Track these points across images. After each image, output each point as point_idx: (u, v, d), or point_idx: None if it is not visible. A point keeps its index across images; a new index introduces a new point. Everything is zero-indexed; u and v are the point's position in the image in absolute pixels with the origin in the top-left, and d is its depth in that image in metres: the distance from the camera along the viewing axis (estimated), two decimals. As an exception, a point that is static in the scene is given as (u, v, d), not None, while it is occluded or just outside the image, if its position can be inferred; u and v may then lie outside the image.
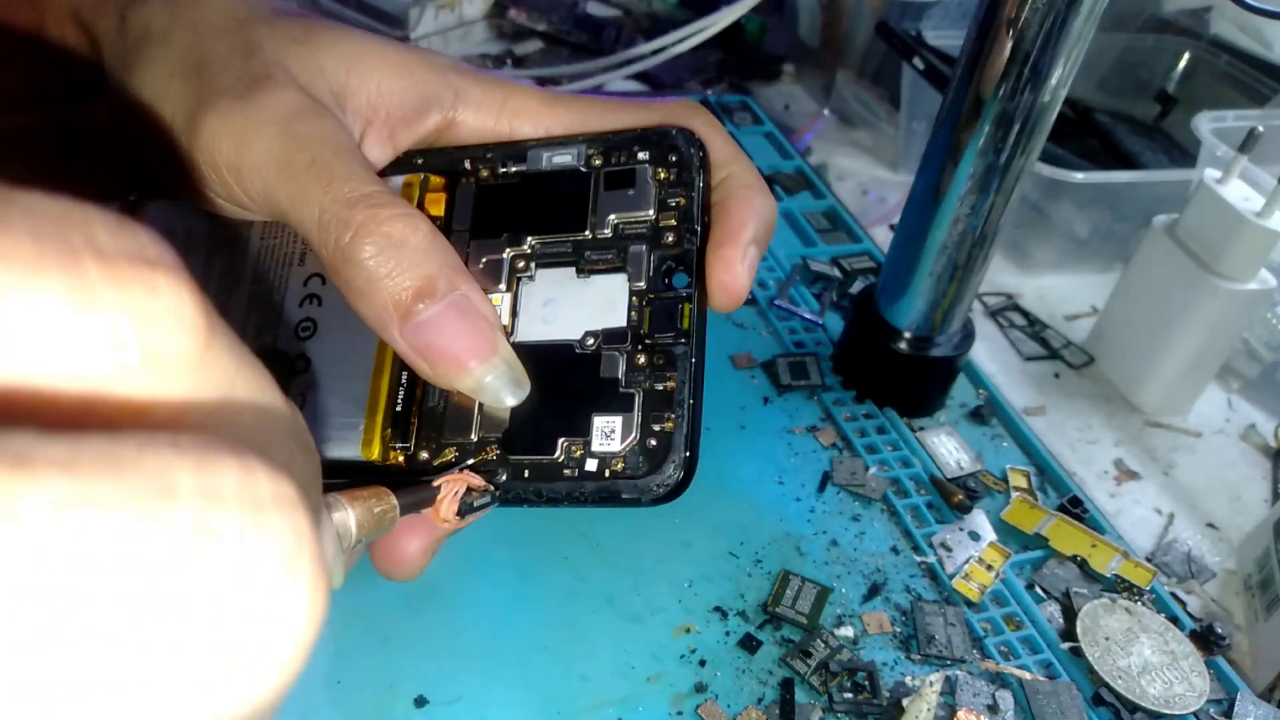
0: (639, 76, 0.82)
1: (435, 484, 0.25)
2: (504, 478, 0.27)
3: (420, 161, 0.30)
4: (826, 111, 0.84)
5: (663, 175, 0.28)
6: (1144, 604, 0.44)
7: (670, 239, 0.27)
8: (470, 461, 0.27)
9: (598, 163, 0.29)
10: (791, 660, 0.40)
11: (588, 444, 0.26)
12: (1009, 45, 0.40)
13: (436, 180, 0.30)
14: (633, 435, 0.26)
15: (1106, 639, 0.42)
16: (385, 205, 0.25)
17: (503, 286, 0.28)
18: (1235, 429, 0.57)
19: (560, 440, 0.27)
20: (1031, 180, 0.57)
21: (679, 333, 0.27)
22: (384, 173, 0.29)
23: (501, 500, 0.27)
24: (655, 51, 0.78)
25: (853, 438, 0.51)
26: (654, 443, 0.26)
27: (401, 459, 0.28)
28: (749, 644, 0.40)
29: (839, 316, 0.59)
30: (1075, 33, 0.39)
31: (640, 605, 0.42)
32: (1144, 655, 0.41)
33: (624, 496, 0.26)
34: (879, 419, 0.52)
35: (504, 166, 0.29)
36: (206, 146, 0.26)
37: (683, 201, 0.28)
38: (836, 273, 0.63)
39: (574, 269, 0.28)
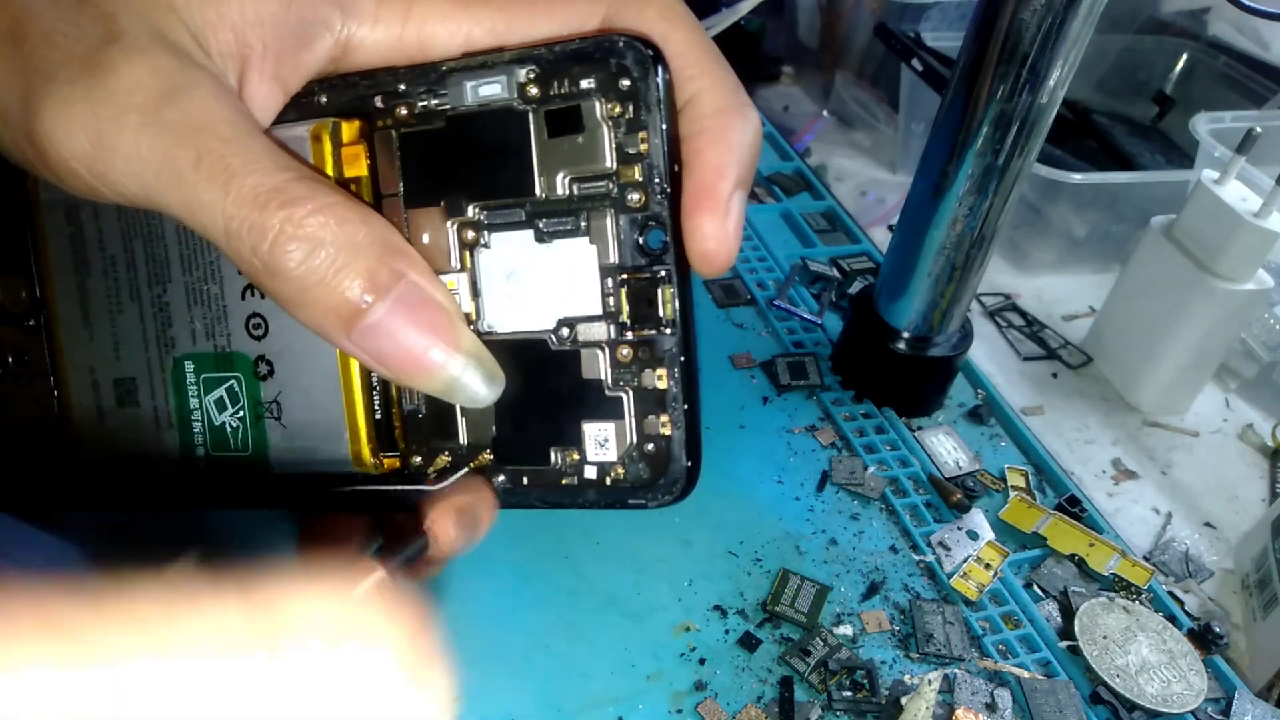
0: (638, 77, 0.82)
1: (425, 528, 0.24)
2: (502, 478, 0.26)
3: (324, 100, 0.25)
4: (825, 113, 0.84)
5: (616, 110, 0.23)
6: (1142, 603, 0.44)
7: (636, 198, 0.23)
8: (464, 470, 0.26)
9: (534, 93, 0.23)
10: (791, 658, 0.40)
11: (582, 453, 0.25)
12: (1007, 47, 0.40)
13: (349, 128, 0.25)
14: (628, 442, 0.24)
15: (1104, 638, 0.42)
16: (301, 197, 0.21)
17: (455, 265, 0.25)
18: (1233, 428, 0.57)
19: (553, 449, 0.25)
20: (1030, 181, 0.58)
21: (662, 322, 0.24)
22: (282, 116, 0.25)
23: (504, 504, 0.26)
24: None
25: (851, 437, 0.51)
26: (652, 448, 0.24)
27: (397, 463, 0.27)
28: (748, 642, 0.41)
29: (838, 317, 0.59)
30: (1073, 34, 0.39)
31: (640, 604, 0.42)
32: (1142, 654, 0.41)
33: (630, 502, 0.25)
34: (878, 419, 0.52)
35: (423, 100, 0.24)
36: (51, 146, 0.21)
37: (645, 148, 0.23)
38: (835, 273, 0.63)
39: (531, 233, 0.24)
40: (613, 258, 0.24)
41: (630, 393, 0.24)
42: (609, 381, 0.24)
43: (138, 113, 0.20)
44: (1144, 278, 0.56)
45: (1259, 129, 0.50)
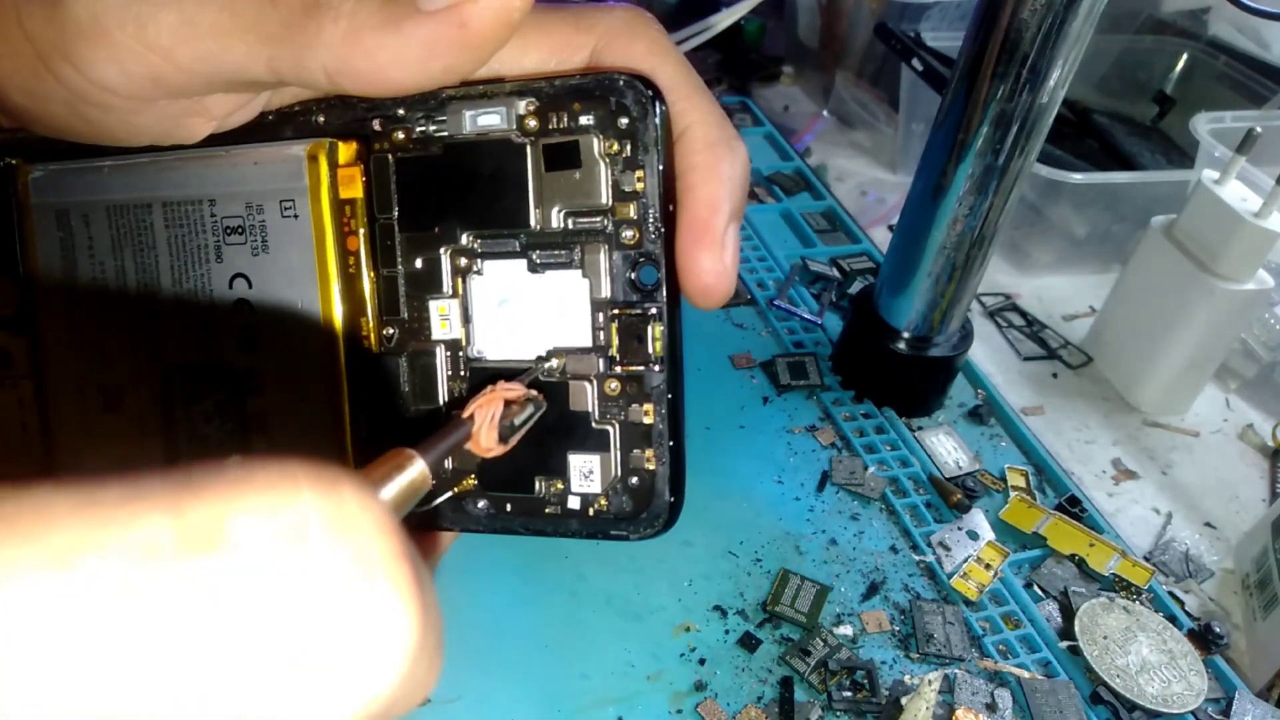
0: (638, 77, 0.82)
1: (466, 414, 0.23)
2: (485, 503, 0.26)
3: (321, 120, 0.25)
4: (825, 113, 0.84)
5: (613, 148, 0.23)
6: (1142, 603, 0.44)
7: (630, 235, 0.24)
8: (448, 495, 0.25)
9: (532, 125, 0.24)
10: (791, 659, 0.40)
11: (567, 483, 0.25)
12: (1008, 47, 0.40)
13: (346, 149, 0.25)
14: (613, 474, 0.25)
15: (1105, 638, 0.42)
16: None
17: (448, 290, 0.25)
18: (1233, 429, 0.57)
19: (537, 478, 0.25)
20: (1030, 181, 0.58)
21: (651, 359, 0.24)
22: (279, 134, 0.25)
23: (487, 529, 0.26)
24: (655, 52, 0.78)
25: (851, 437, 0.51)
26: (636, 481, 0.25)
27: None
28: (748, 642, 0.41)
29: (838, 317, 0.59)
30: (1073, 34, 0.39)
31: (640, 604, 0.42)
32: (1142, 654, 0.41)
33: (613, 533, 0.25)
34: (878, 419, 0.52)
35: (420, 126, 0.25)
36: (98, 47, 0.21)
37: (641, 186, 0.23)
38: (835, 273, 0.63)
39: (524, 263, 0.25)
40: (605, 293, 0.24)
41: (617, 426, 0.25)
42: (596, 414, 0.25)
43: None
44: (1144, 278, 0.56)
45: (1259, 129, 0.50)
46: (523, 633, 0.40)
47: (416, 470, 0.19)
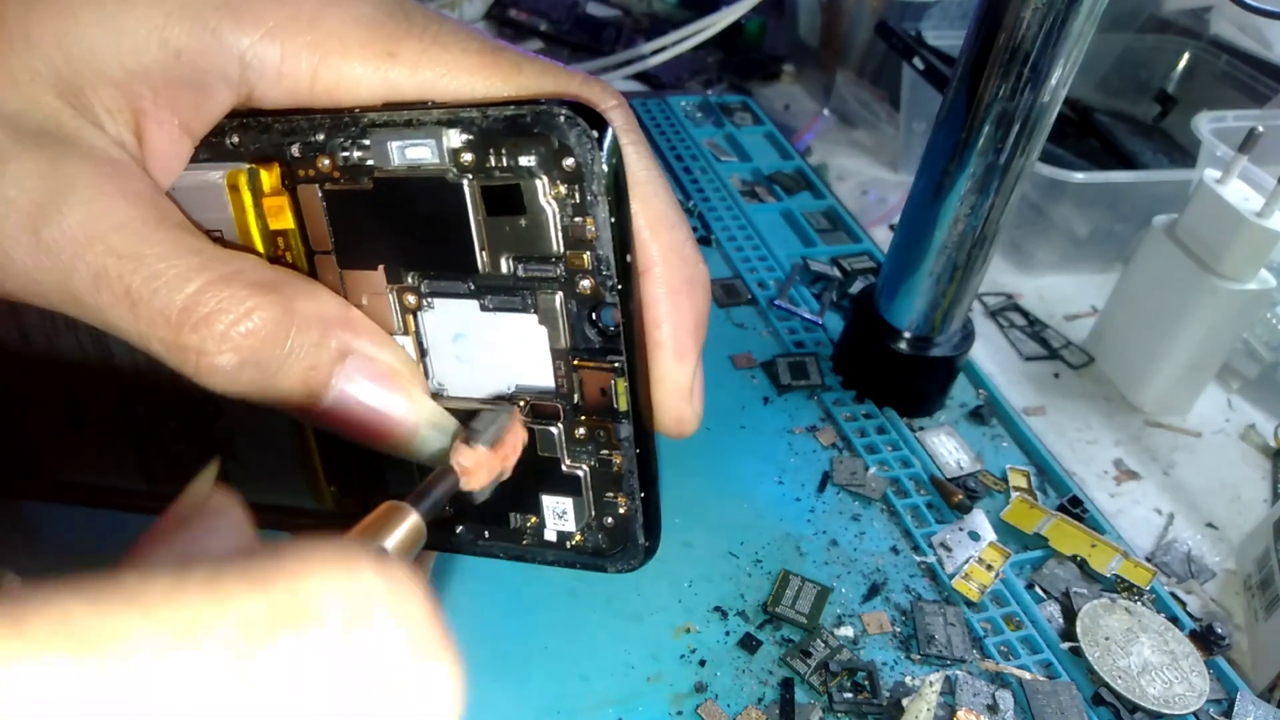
0: (639, 76, 0.82)
1: (451, 466, 0.22)
2: (462, 529, 0.26)
3: (235, 141, 0.23)
4: (826, 111, 0.84)
5: (560, 192, 0.21)
6: (1144, 604, 0.44)
7: (587, 285, 0.22)
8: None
9: (468, 160, 0.21)
10: (791, 660, 0.40)
11: (541, 520, 0.25)
12: (1009, 45, 0.40)
13: (269, 177, 0.23)
14: (587, 515, 0.24)
15: (1106, 639, 0.42)
16: (215, 311, 0.19)
17: (398, 328, 0.24)
18: (1235, 429, 0.57)
19: (512, 514, 0.25)
20: (1031, 180, 0.58)
21: (617, 414, 0.23)
22: (192, 160, 0.23)
23: (468, 552, 0.26)
24: (655, 51, 0.78)
25: (852, 438, 0.51)
26: (611, 522, 0.24)
27: (356, 508, 0.26)
28: (749, 644, 0.40)
29: (839, 316, 0.59)
30: (1075, 33, 0.39)
31: (640, 605, 0.42)
32: (1144, 655, 0.41)
33: (591, 564, 0.25)
34: (879, 419, 0.52)
35: (344, 151, 0.22)
36: None
37: (593, 236, 0.21)
38: (836, 273, 0.63)
39: (476, 304, 0.23)
40: (564, 342, 0.23)
41: (587, 470, 0.24)
42: (566, 459, 0.24)
43: (15, 239, 0.18)
44: (1146, 277, 0.56)
45: (1261, 128, 0.50)
46: (522, 634, 0.40)
47: (410, 524, 0.18)
